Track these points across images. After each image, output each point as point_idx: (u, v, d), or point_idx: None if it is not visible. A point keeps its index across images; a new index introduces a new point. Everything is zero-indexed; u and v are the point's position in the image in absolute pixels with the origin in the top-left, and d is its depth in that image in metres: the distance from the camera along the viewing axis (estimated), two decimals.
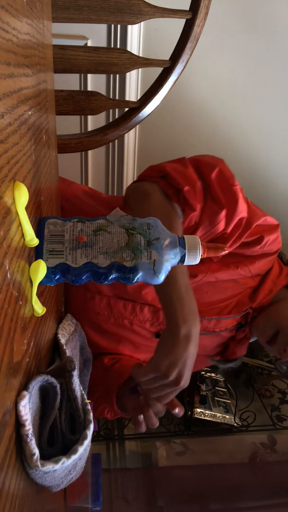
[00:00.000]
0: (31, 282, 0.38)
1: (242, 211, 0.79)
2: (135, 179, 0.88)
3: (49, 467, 0.36)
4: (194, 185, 0.78)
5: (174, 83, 0.92)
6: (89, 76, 1.52)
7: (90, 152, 1.73)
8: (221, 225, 0.79)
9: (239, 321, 0.93)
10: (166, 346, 0.65)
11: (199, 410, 1.69)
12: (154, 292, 0.85)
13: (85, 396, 0.49)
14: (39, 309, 0.40)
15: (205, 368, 1.76)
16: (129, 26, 1.44)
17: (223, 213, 0.78)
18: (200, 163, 0.82)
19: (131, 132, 1.66)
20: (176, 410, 0.70)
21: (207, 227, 0.79)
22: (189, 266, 0.70)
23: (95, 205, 0.90)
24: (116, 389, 0.81)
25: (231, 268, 0.85)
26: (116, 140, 1.65)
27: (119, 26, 1.45)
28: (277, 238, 0.86)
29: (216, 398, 1.79)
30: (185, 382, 0.65)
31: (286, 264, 0.96)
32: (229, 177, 0.80)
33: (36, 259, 0.40)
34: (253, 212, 0.84)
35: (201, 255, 0.47)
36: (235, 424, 1.71)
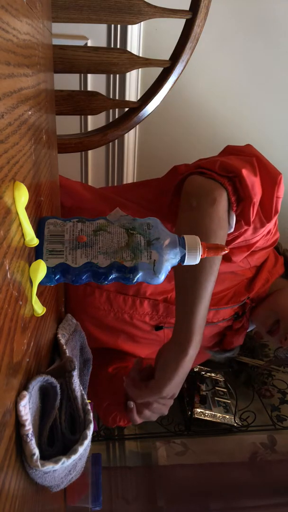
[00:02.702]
0: (31, 282, 0.38)
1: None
2: (135, 179, 0.88)
3: (49, 467, 0.36)
4: (258, 198, 0.73)
5: (174, 83, 0.92)
6: (89, 76, 1.52)
7: (90, 152, 1.73)
8: (256, 239, 0.78)
9: (236, 311, 0.94)
10: (170, 367, 0.66)
11: (199, 410, 1.69)
12: (154, 286, 0.85)
13: (85, 396, 0.49)
14: (39, 309, 0.40)
15: (205, 368, 1.75)
16: (129, 26, 1.44)
17: (265, 229, 0.75)
18: (267, 168, 0.76)
19: (131, 132, 1.66)
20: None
21: (246, 238, 0.76)
22: None
23: (93, 198, 0.91)
24: (124, 394, 0.80)
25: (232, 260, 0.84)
26: (116, 140, 1.64)
27: (119, 26, 1.45)
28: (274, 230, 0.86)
29: (216, 398, 1.78)
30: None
31: (282, 254, 0.96)
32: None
33: (36, 259, 0.40)
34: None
35: (201, 255, 0.47)
36: (235, 424, 1.71)
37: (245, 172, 0.70)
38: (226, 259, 0.81)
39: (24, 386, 0.35)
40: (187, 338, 0.66)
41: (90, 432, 0.44)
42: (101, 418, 0.94)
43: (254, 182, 0.71)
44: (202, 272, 0.66)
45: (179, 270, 0.69)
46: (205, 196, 0.69)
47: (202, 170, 0.73)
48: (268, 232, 0.81)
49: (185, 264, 0.47)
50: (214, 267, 0.67)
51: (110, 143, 1.60)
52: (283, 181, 0.75)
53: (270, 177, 0.74)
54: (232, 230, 0.73)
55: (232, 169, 0.71)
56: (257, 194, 0.71)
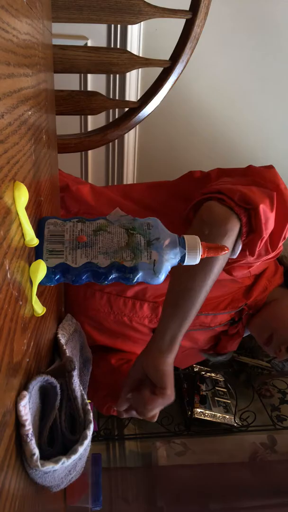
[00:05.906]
0: (31, 282, 0.38)
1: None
2: (135, 179, 0.88)
3: (49, 467, 0.36)
4: (268, 233, 0.73)
5: (174, 83, 0.92)
6: (89, 76, 1.52)
7: (90, 152, 1.73)
8: (258, 263, 0.79)
9: (233, 317, 0.95)
10: (168, 374, 0.67)
11: (199, 410, 1.69)
12: (154, 289, 0.86)
13: (85, 396, 0.49)
14: (39, 309, 0.40)
15: (205, 368, 1.76)
16: (129, 26, 1.44)
17: (268, 256, 0.77)
18: (285, 203, 0.75)
19: (131, 132, 1.66)
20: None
21: (249, 261, 0.77)
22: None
23: (100, 204, 0.90)
24: (122, 388, 0.81)
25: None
26: (116, 140, 1.64)
27: (119, 26, 1.45)
28: None
29: (216, 398, 1.78)
30: None
31: (282, 264, 0.96)
32: None
33: (36, 259, 0.40)
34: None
35: (201, 255, 0.47)
36: (235, 424, 1.70)
37: (262, 207, 0.70)
38: (227, 273, 0.82)
39: (24, 386, 0.35)
40: (170, 349, 0.68)
41: (90, 432, 0.44)
42: (96, 406, 0.94)
43: (268, 218, 0.71)
44: (199, 275, 0.67)
45: (177, 270, 0.70)
46: (218, 226, 0.70)
47: (222, 197, 0.73)
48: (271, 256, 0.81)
49: (185, 263, 0.47)
50: (214, 270, 0.68)
51: (110, 143, 1.60)
52: None
53: (285, 212, 0.74)
54: (235, 256, 0.74)
55: (250, 202, 0.70)
56: (268, 229, 0.71)
